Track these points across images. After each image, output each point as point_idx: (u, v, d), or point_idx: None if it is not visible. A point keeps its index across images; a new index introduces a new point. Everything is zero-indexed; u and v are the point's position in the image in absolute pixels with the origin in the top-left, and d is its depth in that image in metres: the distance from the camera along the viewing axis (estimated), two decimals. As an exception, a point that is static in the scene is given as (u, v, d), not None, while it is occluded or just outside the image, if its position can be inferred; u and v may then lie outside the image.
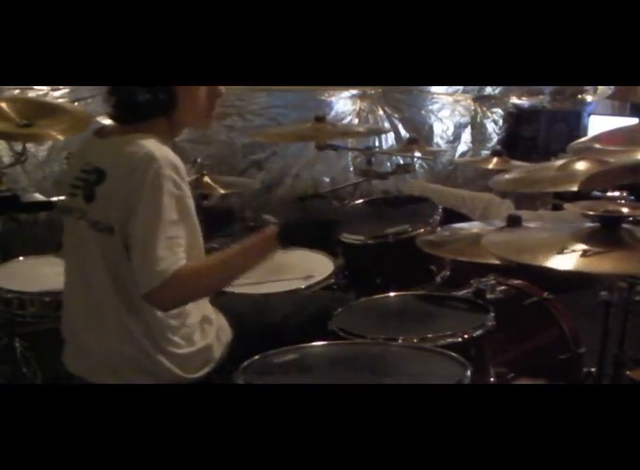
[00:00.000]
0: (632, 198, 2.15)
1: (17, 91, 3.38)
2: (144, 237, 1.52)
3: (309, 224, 1.70)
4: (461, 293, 2.16)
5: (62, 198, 1.81)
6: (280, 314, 1.91)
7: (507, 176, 2.37)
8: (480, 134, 5.19)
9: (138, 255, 1.53)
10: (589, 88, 5.46)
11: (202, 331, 1.71)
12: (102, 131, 1.71)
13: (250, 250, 1.63)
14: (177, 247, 1.52)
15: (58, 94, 3.49)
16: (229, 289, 1.95)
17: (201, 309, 1.72)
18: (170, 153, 1.59)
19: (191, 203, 1.61)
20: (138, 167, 1.53)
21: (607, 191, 2.23)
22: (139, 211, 1.52)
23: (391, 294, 2.08)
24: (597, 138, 2.03)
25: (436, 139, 4.99)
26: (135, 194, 1.52)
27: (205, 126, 1.87)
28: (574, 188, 1.97)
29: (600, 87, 5.35)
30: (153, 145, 1.57)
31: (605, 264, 1.46)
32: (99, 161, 1.62)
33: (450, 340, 1.70)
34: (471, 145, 5.17)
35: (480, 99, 5.16)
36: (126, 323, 1.61)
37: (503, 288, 2.29)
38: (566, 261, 1.45)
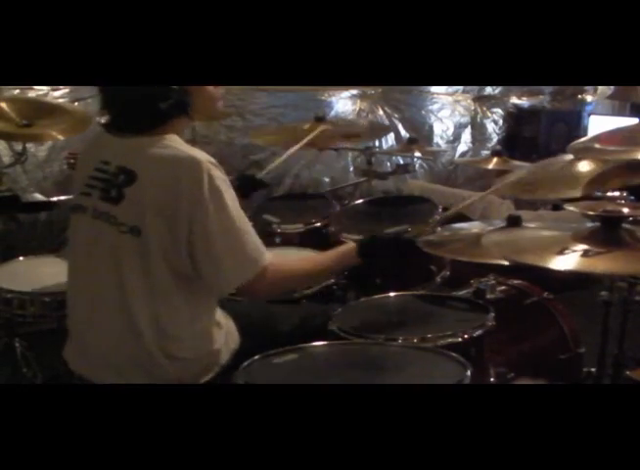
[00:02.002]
0: (632, 198, 2.15)
1: (17, 91, 3.38)
2: (224, 241, 1.56)
3: (388, 242, 1.87)
4: (461, 293, 2.15)
5: (63, 199, 1.80)
6: (287, 322, 1.91)
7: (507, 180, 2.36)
8: (479, 134, 5.19)
9: (222, 258, 1.57)
10: (589, 88, 5.46)
11: (210, 335, 1.70)
12: (116, 129, 1.67)
13: (334, 258, 1.83)
14: (256, 239, 1.62)
15: (58, 94, 3.49)
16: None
17: (210, 313, 1.71)
18: (203, 152, 1.62)
19: (235, 195, 1.65)
20: (183, 171, 1.54)
21: (607, 191, 2.23)
22: (206, 216, 1.54)
23: (391, 294, 2.08)
24: (597, 138, 2.03)
25: (436, 139, 4.99)
26: (192, 201, 1.53)
27: (218, 114, 1.92)
28: (577, 194, 1.97)
29: (600, 87, 5.35)
30: (187, 147, 1.61)
31: (605, 264, 1.46)
32: (124, 161, 1.60)
33: (450, 340, 1.70)
34: (471, 145, 5.17)
35: (480, 99, 5.16)
36: (133, 324, 1.59)
37: (503, 288, 2.28)
38: (566, 261, 1.45)
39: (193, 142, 3.75)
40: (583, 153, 2.04)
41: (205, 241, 1.56)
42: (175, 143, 1.60)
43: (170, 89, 1.59)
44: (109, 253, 1.61)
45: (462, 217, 2.73)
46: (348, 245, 1.85)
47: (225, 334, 1.74)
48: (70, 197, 1.87)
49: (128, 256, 1.59)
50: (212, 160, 1.61)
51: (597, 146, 1.94)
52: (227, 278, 1.60)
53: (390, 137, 4.75)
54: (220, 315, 1.75)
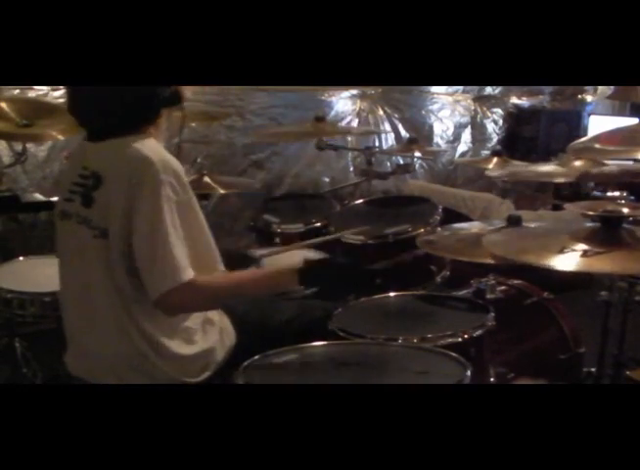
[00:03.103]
0: (632, 198, 2.15)
1: (17, 91, 3.37)
2: (148, 245, 1.53)
3: (331, 267, 1.74)
4: (461, 293, 2.15)
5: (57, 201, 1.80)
6: (283, 318, 1.91)
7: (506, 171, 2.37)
8: (479, 134, 5.18)
9: (144, 261, 1.54)
10: (589, 88, 5.46)
11: (203, 333, 1.70)
12: (93, 135, 1.69)
13: (267, 281, 1.69)
14: (181, 253, 1.54)
15: (58, 94, 3.49)
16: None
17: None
18: (167, 155, 1.59)
19: (194, 206, 1.62)
20: (135, 173, 1.54)
21: (607, 191, 2.24)
22: (139, 218, 1.53)
23: (391, 294, 2.08)
24: (597, 138, 2.03)
25: (436, 139, 4.98)
26: (133, 200, 1.53)
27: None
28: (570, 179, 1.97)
29: (600, 87, 5.35)
30: (149, 148, 1.57)
31: (605, 264, 1.46)
32: (96, 165, 1.62)
33: (450, 340, 1.70)
34: (471, 145, 5.16)
35: (480, 99, 5.15)
36: (124, 326, 1.60)
37: (503, 288, 2.29)
38: (566, 261, 1.45)
39: (193, 142, 3.76)
40: (583, 153, 2.04)
41: (137, 241, 1.54)
42: (142, 145, 1.58)
43: (142, 91, 1.60)
44: (91, 256, 1.63)
45: (462, 217, 2.74)
46: (290, 269, 1.66)
47: (219, 331, 1.74)
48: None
49: (107, 258, 1.59)
50: (174, 165, 1.57)
51: (597, 146, 1.94)
52: (149, 285, 1.55)
53: (390, 137, 4.75)
54: (214, 313, 1.75)
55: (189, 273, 1.54)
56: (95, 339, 1.65)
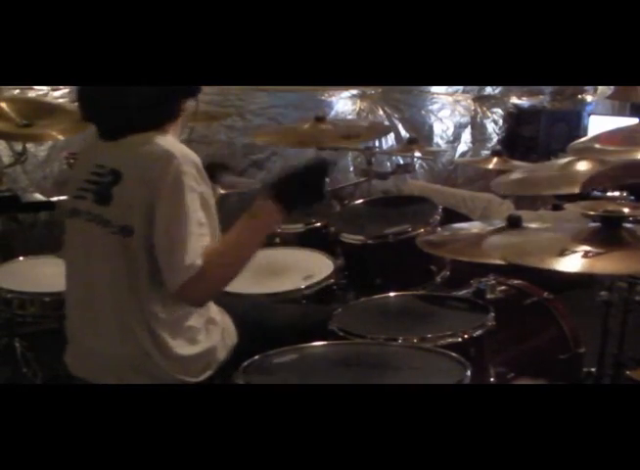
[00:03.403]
0: (632, 198, 2.15)
1: (17, 91, 3.37)
2: (170, 235, 1.52)
3: (297, 174, 1.67)
4: (461, 293, 2.15)
5: (63, 199, 1.80)
6: (284, 319, 1.91)
7: (508, 178, 2.38)
8: (479, 134, 5.18)
9: (165, 252, 1.53)
10: (589, 88, 5.46)
11: (206, 332, 1.70)
12: (109, 133, 1.68)
13: (251, 222, 1.61)
14: (203, 242, 1.53)
15: (58, 94, 3.49)
16: (230, 289, 1.94)
17: (205, 310, 1.71)
18: (187, 149, 1.60)
19: (212, 199, 1.62)
20: (156, 166, 1.54)
21: (607, 191, 2.24)
22: (162, 210, 1.52)
23: (391, 294, 2.08)
24: (597, 138, 2.03)
25: (436, 139, 4.98)
26: (156, 193, 1.52)
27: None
28: (575, 190, 1.98)
29: (600, 87, 5.35)
30: (169, 143, 1.59)
31: (605, 264, 1.46)
32: (114, 162, 1.61)
33: (450, 340, 1.70)
34: (471, 145, 5.16)
35: (480, 99, 5.15)
36: (129, 325, 1.60)
37: (503, 288, 2.29)
38: (567, 262, 1.45)
39: (193, 142, 3.76)
40: (583, 153, 2.04)
41: (159, 233, 1.54)
42: (162, 140, 1.59)
43: (160, 90, 1.60)
44: (102, 255, 1.62)
45: (462, 217, 2.74)
46: (262, 197, 1.60)
47: (221, 331, 1.74)
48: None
49: (118, 256, 1.59)
50: (194, 158, 1.58)
51: (597, 146, 1.95)
52: (168, 276, 1.54)
53: (390, 137, 4.74)
54: (216, 312, 1.75)
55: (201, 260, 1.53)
56: (99, 338, 1.64)
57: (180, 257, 1.51)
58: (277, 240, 2.68)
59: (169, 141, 1.60)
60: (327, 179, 1.70)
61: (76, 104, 1.70)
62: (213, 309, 1.75)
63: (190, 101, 1.69)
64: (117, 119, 1.64)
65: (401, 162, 4.16)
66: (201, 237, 1.53)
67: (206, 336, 1.69)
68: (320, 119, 3.24)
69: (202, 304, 1.64)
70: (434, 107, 4.94)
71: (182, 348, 1.64)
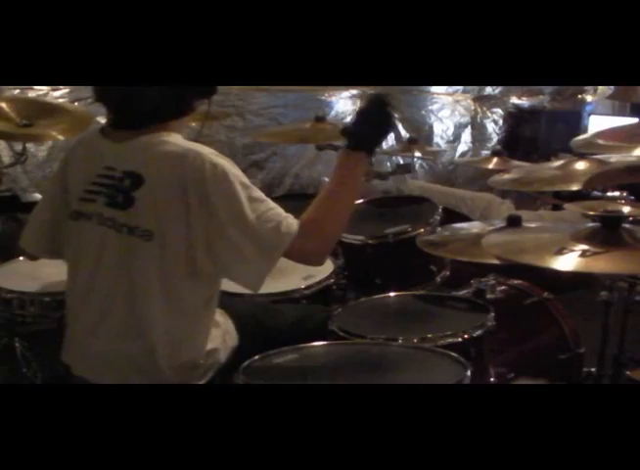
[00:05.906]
0: (632, 198, 2.15)
1: (17, 91, 3.38)
2: (238, 228, 1.52)
3: (364, 116, 1.81)
4: (461, 293, 2.15)
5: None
6: (284, 319, 1.90)
7: (506, 176, 2.38)
8: (480, 134, 5.19)
9: (251, 236, 1.52)
10: (589, 88, 5.46)
11: (208, 335, 1.69)
12: (113, 133, 1.65)
13: (344, 171, 1.68)
14: (275, 215, 1.54)
15: (58, 94, 3.50)
16: (230, 289, 1.94)
17: (211, 313, 1.70)
18: (204, 146, 1.59)
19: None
20: (185, 165, 1.53)
21: (607, 191, 2.24)
22: (215, 207, 1.52)
23: (391, 294, 2.08)
24: (599, 134, 2.04)
25: (436, 139, 4.99)
26: (198, 193, 1.51)
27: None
28: (574, 187, 1.98)
29: (600, 87, 5.35)
30: (184, 141, 1.59)
31: (605, 264, 1.46)
32: (128, 165, 1.59)
33: (450, 340, 1.70)
34: (471, 145, 5.17)
35: (480, 99, 5.16)
36: (140, 330, 1.59)
37: (503, 288, 2.29)
38: (566, 261, 1.45)
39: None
40: (585, 149, 2.05)
41: (221, 232, 1.52)
42: (177, 140, 1.59)
43: (170, 88, 1.59)
44: (117, 259, 1.60)
45: (462, 217, 2.74)
46: (341, 150, 1.71)
47: (223, 333, 1.74)
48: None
49: (141, 261, 1.57)
50: (214, 152, 1.58)
51: (600, 141, 1.96)
52: (251, 269, 1.55)
53: (390, 137, 4.74)
54: (218, 314, 1.75)
55: (294, 226, 1.55)
56: (102, 339, 1.63)
57: (262, 240, 1.52)
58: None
59: (183, 140, 1.60)
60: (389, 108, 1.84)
61: (97, 89, 1.64)
62: (217, 311, 1.74)
63: (202, 101, 1.68)
64: (144, 106, 1.60)
65: (401, 162, 4.16)
66: (267, 209, 1.54)
67: (209, 338, 1.69)
68: (320, 119, 3.24)
69: (319, 260, 1.66)
70: (434, 107, 4.95)
71: (186, 351, 1.63)
